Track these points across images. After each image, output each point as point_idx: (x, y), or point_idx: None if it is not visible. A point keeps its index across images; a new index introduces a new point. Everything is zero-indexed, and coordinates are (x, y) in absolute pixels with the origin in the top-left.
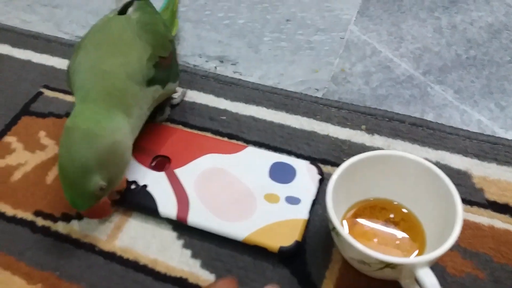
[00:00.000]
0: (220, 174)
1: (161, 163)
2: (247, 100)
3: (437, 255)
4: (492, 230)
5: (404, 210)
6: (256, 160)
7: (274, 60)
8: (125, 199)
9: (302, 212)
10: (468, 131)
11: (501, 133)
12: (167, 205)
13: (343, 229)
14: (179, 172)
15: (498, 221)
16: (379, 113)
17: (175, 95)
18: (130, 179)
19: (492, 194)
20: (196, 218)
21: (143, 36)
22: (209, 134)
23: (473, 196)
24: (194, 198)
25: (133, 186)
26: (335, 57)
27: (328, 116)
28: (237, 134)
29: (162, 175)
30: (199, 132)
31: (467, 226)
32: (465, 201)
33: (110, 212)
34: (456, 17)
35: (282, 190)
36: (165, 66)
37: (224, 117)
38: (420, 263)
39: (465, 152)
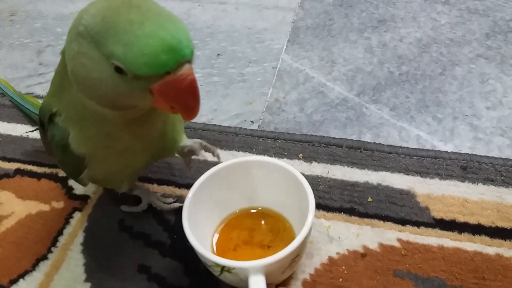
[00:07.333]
0: None
1: None
2: None
3: (270, 262)
4: (442, 251)
5: (276, 214)
6: None
7: (206, 96)
8: None
9: None
10: (407, 148)
11: (441, 146)
12: None
13: (192, 236)
14: None
15: (447, 240)
16: (315, 139)
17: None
18: None
19: (438, 212)
20: None
21: None
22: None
23: (419, 216)
24: None
25: None
26: (268, 87)
27: (264, 148)
28: (168, 178)
29: None
30: None
31: (416, 249)
32: (411, 222)
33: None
34: (386, 36)
35: None
36: None
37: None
38: (253, 268)
39: (406, 170)
